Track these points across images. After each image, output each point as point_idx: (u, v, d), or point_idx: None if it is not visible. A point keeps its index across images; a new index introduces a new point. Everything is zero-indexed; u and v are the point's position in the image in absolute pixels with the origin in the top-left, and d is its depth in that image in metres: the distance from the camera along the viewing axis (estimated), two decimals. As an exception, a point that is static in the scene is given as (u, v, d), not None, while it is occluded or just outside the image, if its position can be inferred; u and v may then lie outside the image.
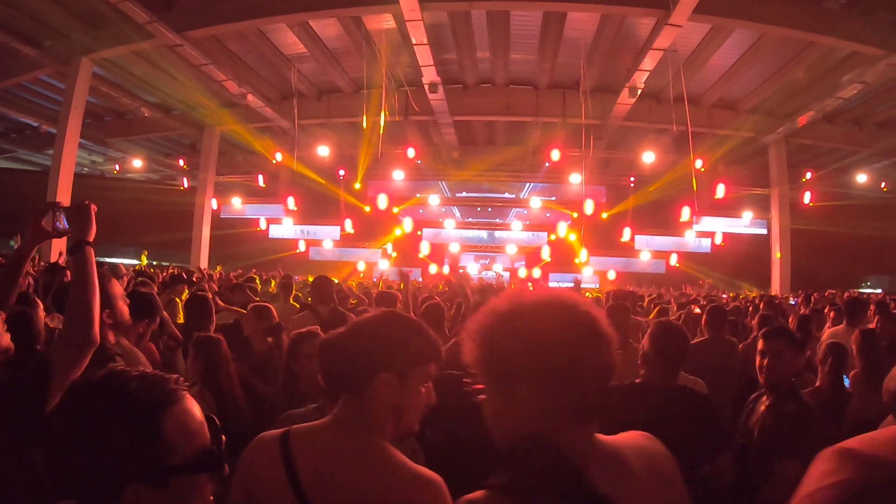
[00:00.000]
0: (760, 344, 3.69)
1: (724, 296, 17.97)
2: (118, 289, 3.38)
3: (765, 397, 3.64)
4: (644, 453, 1.51)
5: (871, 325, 6.66)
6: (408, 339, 1.95)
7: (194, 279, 10.76)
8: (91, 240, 2.56)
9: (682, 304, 10.93)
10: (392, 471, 1.85)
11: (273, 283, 12.97)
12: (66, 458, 1.19)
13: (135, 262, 22.50)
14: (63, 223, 2.66)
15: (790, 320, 8.26)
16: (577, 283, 11.02)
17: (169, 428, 1.21)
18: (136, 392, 1.23)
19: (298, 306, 8.10)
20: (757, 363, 3.67)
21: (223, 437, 1.32)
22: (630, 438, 1.55)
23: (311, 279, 8.10)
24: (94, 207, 2.63)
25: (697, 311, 7.96)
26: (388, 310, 2.18)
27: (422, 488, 1.84)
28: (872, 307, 7.83)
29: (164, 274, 10.96)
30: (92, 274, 2.48)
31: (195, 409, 1.30)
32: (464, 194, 31.69)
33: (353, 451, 1.85)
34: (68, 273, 8.63)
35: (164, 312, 5.45)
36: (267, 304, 5.71)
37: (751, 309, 10.29)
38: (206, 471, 1.26)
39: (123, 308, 3.36)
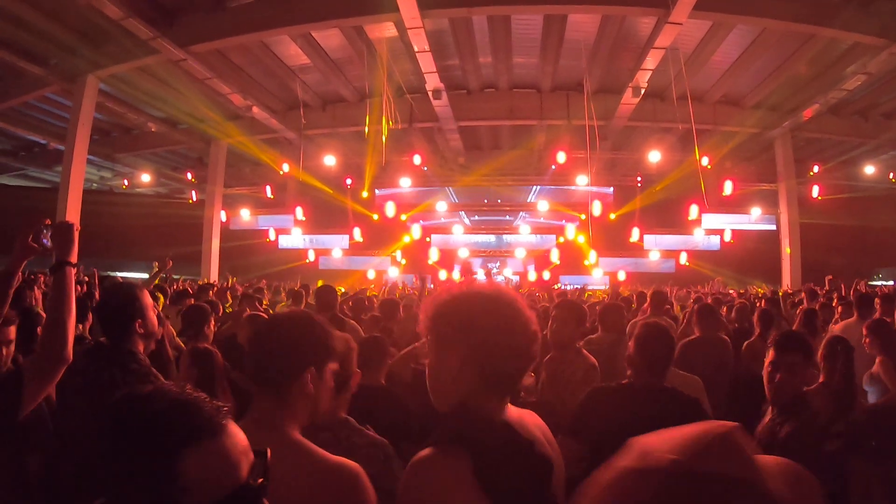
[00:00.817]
0: (772, 354, 3.35)
1: (732, 292, 17.90)
2: (149, 299, 3.36)
3: (769, 408, 3.39)
4: (536, 422, 1.89)
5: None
6: (323, 335, 2.08)
7: (211, 294, 10.82)
8: (72, 260, 2.58)
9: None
10: (310, 462, 1.92)
11: (282, 293, 13.08)
12: (84, 477, 1.12)
13: (145, 275, 22.63)
14: (49, 240, 2.65)
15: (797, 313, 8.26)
16: (584, 288, 11.20)
17: (191, 466, 1.07)
18: (162, 419, 1.09)
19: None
20: (765, 373, 3.37)
21: (262, 479, 1.19)
22: (524, 411, 1.89)
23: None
24: (76, 227, 2.66)
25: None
26: (299, 309, 2.32)
27: (340, 478, 1.94)
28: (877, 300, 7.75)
29: (173, 289, 11.01)
30: (69, 294, 2.51)
31: (233, 442, 1.16)
32: (471, 200, 31.72)
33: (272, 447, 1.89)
34: (77, 287, 8.72)
35: (170, 327, 5.49)
36: (262, 314, 5.73)
37: (759, 305, 10.26)
38: None
39: (153, 319, 3.34)
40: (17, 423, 2.30)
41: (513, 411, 1.83)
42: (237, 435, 1.17)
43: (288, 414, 1.97)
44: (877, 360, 5.14)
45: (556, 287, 21.28)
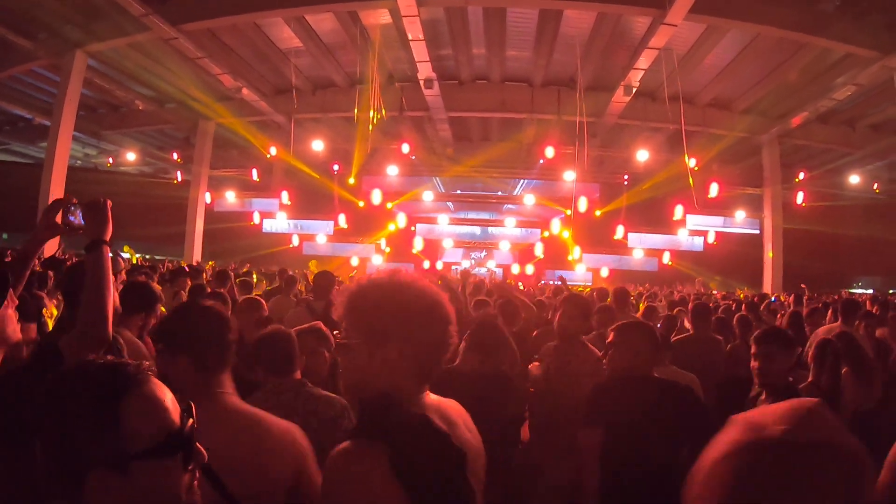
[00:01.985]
0: (752, 347, 3.78)
1: (716, 293, 18.05)
2: None
3: (763, 395, 3.71)
4: (457, 410, 1.97)
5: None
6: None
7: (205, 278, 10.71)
8: (107, 238, 2.54)
9: (673, 302, 11.01)
10: (249, 423, 2.26)
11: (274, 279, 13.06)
12: (41, 445, 1.24)
13: (125, 255, 22.46)
14: (78, 219, 2.60)
15: (778, 318, 8.34)
16: (563, 281, 11.29)
17: (128, 414, 1.23)
18: (97, 379, 1.26)
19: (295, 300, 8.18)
20: (752, 366, 3.76)
21: (192, 420, 1.32)
22: (445, 399, 1.96)
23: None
24: (109, 203, 2.61)
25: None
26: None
27: (279, 436, 2.26)
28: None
29: (163, 268, 10.94)
30: (108, 273, 2.48)
31: (161, 393, 1.31)
32: (458, 191, 31.70)
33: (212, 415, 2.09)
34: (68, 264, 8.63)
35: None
36: (258, 297, 5.72)
37: (734, 307, 10.39)
38: (169, 454, 1.26)
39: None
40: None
41: (433, 399, 1.87)
42: (162, 387, 1.33)
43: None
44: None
45: (541, 283, 21.35)
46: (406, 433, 1.63)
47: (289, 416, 2.53)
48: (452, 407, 1.96)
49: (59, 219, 2.60)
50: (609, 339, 3.78)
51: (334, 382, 3.55)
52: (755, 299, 12.59)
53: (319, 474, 2.11)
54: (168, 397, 1.32)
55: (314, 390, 3.23)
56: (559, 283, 12.16)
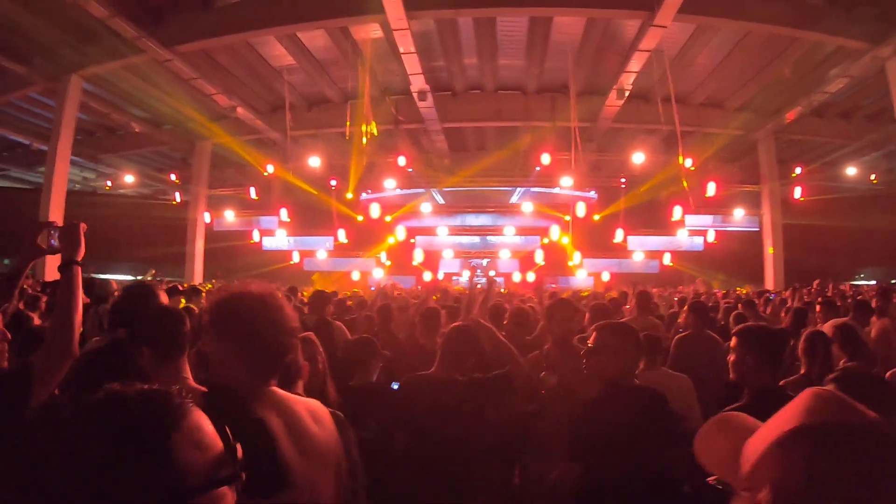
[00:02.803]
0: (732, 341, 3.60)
1: (717, 292, 18.03)
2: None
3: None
4: (308, 405, 2.24)
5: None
6: None
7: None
8: (79, 259, 2.67)
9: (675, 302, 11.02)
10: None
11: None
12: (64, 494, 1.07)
13: (128, 277, 22.45)
14: (56, 241, 2.74)
15: (782, 315, 8.34)
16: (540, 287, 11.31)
17: (181, 448, 1.12)
18: (140, 413, 1.13)
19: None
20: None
21: (237, 445, 1.25)
22: (302, 398, 2.31)
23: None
24: (83, 227, 2.73)
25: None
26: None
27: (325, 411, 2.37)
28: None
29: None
30: (77, 292, 2.61)
31: (204, 420, 1.22)
32: (456, 201, 31.72)
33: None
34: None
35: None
36: None
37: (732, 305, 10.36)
38: (224, 484, 1.19)
39: None
40: (22, 422, 2.34)
41: (280, 393, 2.19)
42: (203, 414, 1.23)
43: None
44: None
45: (549, 287, 21.29)
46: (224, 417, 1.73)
47: None
48: (301, 402, 2.25)
49: (41, 241, 2.74)
50: (590, 342, 3.66)
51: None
52: (754, 296, 12.60)
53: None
54: (210, 426, 1.23)
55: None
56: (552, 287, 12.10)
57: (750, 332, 3.54)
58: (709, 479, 1.25)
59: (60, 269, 2.64)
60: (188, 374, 2.71)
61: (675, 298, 12.49)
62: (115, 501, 1.07)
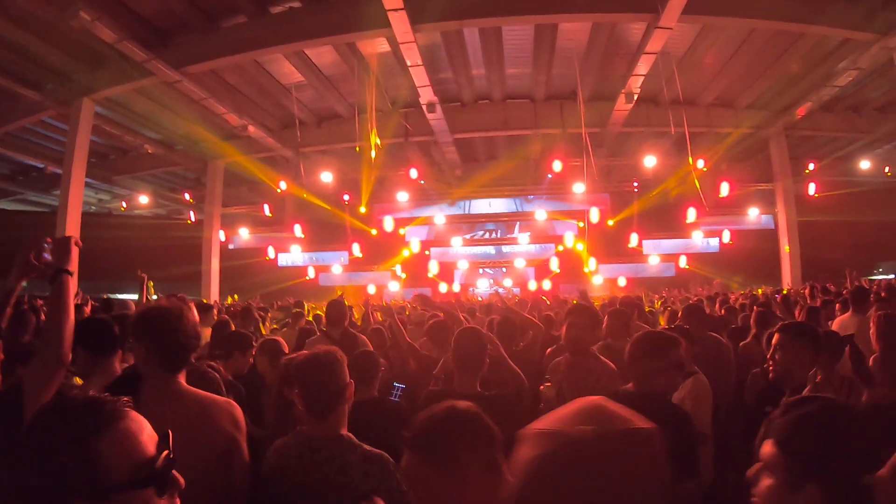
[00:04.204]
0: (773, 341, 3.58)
1: (731, 295, 17.92)
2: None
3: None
4: (203, 400, 2.79)
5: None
6: None
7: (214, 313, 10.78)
8: (70, 269, 2.69)
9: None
10: (195, 396, 2.81)
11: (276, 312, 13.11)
12: (20, 479, 1.29)
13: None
14: (49, 255, 2.75)
15: (797, 313, 8.28)
16: (583, 293, 11.12)
17: (105, 448, 1.30)
18: (76, 414, 1.33)
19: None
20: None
21: (167, 452, 1.40)
22: (204, 394, 2.84)
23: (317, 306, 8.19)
24: (74, 239, 2.77)
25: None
26: None
27: (220, 408, 2.81)
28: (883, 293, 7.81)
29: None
30: (67, 301, 2.61)
31: (137, 427, 1.38)
32: (469, 212, 31.72)
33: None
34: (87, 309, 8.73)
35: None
36: (277, 339, 5.64)
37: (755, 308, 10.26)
38: (144, 486, 1.34)
39: None
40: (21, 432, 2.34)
41: (183, 387, 2.79)
42: (140, 421, 1.40)
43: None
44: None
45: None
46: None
47: (314, 483, 2.73)
48: (196, 396, 2.80)
49: (34, 258, 2.73)
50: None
51: None
52: (775, 295, 12.48)
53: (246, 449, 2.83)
54: (145, 431, 1.39)
55: (350, 453, 2.79)
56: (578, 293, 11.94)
57: (791, 328, 3.52)
58: None
59: (50, 278, 2.64)
60: (182, 378, 2.87)
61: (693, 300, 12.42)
62: (47, 486, 1.27)
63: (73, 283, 2.68)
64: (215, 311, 10.23)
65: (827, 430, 1.65)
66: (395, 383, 4.67)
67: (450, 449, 1.92)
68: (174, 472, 1.41)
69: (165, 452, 1.40)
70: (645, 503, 1.11)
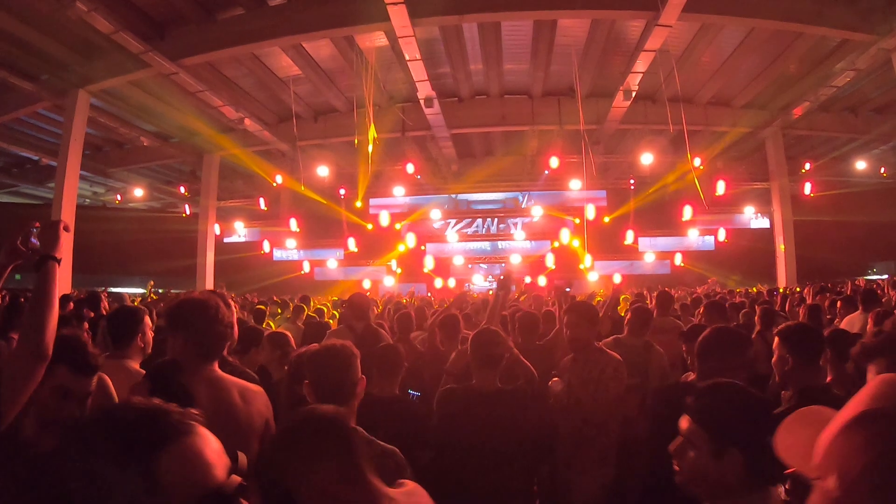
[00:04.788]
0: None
1: (723, 291, 17.96)
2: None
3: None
4: (239, 385, 2.87)
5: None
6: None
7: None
8: (56, 255, 2.55)
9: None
10: (234, 383, 2.89)
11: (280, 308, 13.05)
12: (63, 495, 1.10)
13: (140, 290, 22.52)
14: (36, 240, 2.62)
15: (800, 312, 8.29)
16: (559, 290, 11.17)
17: (167, 467, 1.11)
18: (132, 428, 1.13)
19: (303, 327, 8.18)
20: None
21: (237, 478, 1.22)
22: (238, 380, 2.93)
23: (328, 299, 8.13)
24: (63, 224, 2.64)
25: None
26: None
27: (256, 393, 2.91)
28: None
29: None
30: (52, 289, 2.46)
31: (203, 444, 1.19)
32: (465, 207, 31.69)
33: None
34: (71, 304, 8.66)
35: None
36: (284, 332, 5.60)
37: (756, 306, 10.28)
38: None
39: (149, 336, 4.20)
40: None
41: (218, 373, 2.86)
42: (208, 437, 1.21)
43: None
44: None
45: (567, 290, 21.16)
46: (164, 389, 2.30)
47: None
48: (235, 382, 2.87)
49: (21, 244, 2.59)
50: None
51: None
52: (766, 294, 12.54)
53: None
54: (212, 449, 1.21)
55: (368, 450, 2.51)
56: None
57: (791, 331, 3.48)
58: (786, 471, 1.26)
59: (36, 264, 2.50)
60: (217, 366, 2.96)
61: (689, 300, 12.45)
62: None
63: (58, 271, 2.54)
64: (235, 307, 10.19)
65: (739, 403, 2.03)
66: (409, 391, 4.60)
67: (295, 456, 1.89)
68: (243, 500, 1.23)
69: (237, 479, 1.22)
70: None
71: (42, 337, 2.35)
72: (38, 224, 2.67)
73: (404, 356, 4.45)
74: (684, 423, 2.05)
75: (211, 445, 1.21)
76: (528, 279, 25.84)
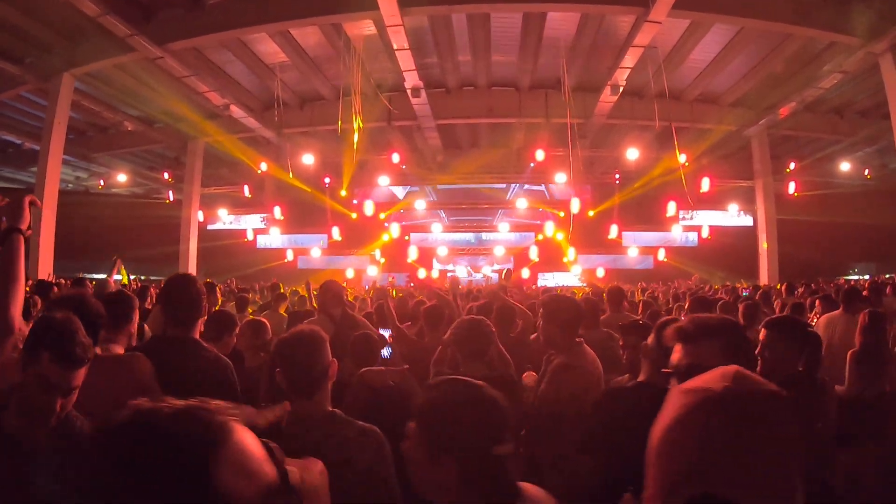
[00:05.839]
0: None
1: (708, 286, 18.07)
2: None
3: None
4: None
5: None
6: None
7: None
8: (22, 227, 2.52)
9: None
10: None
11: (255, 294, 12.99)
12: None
13: (118, 276, 22.33)
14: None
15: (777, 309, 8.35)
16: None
17: (223, 474, 0.96)
18: (177, 434, 0.97)
19: (286, 315, 8.14)
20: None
21: (287, 470, 1.08)
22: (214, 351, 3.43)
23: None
24: (30, 198, 2.62)
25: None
26: None
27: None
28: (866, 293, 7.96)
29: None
30: (17, 262, 2.44)
31: (250, 441, 1.05)
32: (450, 199, 31.68)
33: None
34: (55, 289, 8.57)
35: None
36: (263, 320, 5.61)
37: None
38: None
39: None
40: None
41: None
42: (249, 432, 1.06)
43: None
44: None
45: (534, 286, 21.26)
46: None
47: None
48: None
49: None
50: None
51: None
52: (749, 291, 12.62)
53: None
54: (258, 444, 1.07)
55: (346, 428, 2.74)
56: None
57: (781, 322, 3.58)
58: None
59: (1, 237, 2.48)
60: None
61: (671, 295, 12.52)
62: None
63: (21, 242, 2.53)
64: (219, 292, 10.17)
65: (457, 407, 1.87)
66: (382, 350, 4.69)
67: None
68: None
69: (293, 472, 1.09)
70: (785, 461, 1.13)
71: (7, 310, 2.33)
72: (5, 200, 2.65)
73: (377, 345, 4.53)
74: (412, 423, 1.94)
75: (255, 442, 1.06)
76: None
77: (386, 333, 6.22)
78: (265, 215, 24.96)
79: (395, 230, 25.16)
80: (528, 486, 1.95)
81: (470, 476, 1.80)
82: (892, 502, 3.89)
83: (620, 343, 4.05)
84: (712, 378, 1.19)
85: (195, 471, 0.94)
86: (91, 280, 10.16)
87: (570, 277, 26.43)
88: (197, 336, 3.49)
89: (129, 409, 0.99)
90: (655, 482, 1.16)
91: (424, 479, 1.89)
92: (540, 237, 27.24)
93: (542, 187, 28.67)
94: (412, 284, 20.19)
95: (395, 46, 15.18)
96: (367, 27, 15.55)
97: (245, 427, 1.05)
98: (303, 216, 27.17)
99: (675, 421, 1.16)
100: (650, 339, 3.44)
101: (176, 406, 1.00)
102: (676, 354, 2.29)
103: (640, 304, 9.10)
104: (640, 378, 3.49)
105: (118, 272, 9.51)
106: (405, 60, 16.01)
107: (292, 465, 1.11)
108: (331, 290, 6.52)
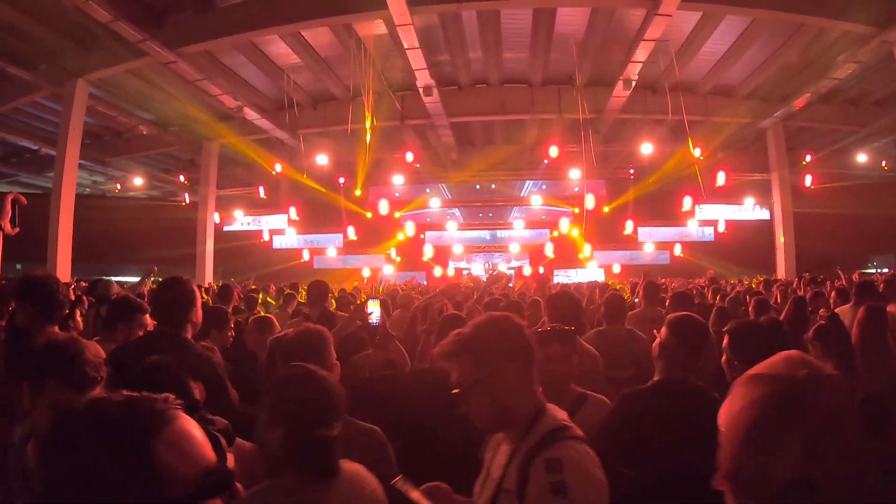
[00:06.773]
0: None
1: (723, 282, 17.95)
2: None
3: None
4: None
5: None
6: None
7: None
8: (3, 224, 2.60)
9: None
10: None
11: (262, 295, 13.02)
12: (59, 497, 1.06)
13: (138, 279, 22.49)
14: None
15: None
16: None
17: (163, 455, 1.08)
18: (121, 419, 1.09)
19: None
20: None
21: (228, 454, 1.19)
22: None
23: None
24: (13, 196, 2.70)
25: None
26: None
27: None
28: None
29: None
30: None
31: (193, 428, 1.17)
32: (465, 196, 31.66)
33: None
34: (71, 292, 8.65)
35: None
36: (269, 316, 5.66)
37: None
38: (213, 496, 1.14)
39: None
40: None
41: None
42: (192, 421, 1.20)
43: None
44: None
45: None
46: None
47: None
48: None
49: None
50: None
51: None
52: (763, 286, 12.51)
53: None
54: (200, 431, 1.19)
55: (347, 428, 2.51)
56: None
57: (738, 332, 3.40)
58: None
59: None
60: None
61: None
62: None
63: (1, 237, 2.63)
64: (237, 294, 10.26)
65: (292, 389, 2.20)
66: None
67: None
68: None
69: (230, 456, 1.21)
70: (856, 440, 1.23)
71: None
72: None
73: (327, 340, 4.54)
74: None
75: (198, 428, 1.19)
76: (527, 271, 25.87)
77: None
78: (287, 216, 25.01)
79: (409, 229, 25.18)
80: (352, 466, 2.24)
81: (292, 446, 2.08)
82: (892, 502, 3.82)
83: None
84: (782, 364, 1.28)
85: (137, 451, 1.07)
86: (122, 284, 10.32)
87: (592, 273, 26.25)
88: (190, 334, 3.56)
89: (85, 400, 1.16)
90: (740, 470, 1.23)
91: (264, 436, 2.18)
92: (555, 234, 27.15)
93: (559, 183, 28.56)
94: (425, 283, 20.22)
95: (405, 45, 15.18)
96: (377, 27, 15.58)
97: (188, 416, 1.19)
98: (318, 216, 27.24)
99: (761, 407, 1.23)
100: (665, 336, 3.29)
101: (124, 396, 1.14)
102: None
103: (669, 298, 9.08)
104: (656, 378, 3.31)
105: (152, 279, 9.67)
106: (416, 59, 16.01)
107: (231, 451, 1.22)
108: (312, 289, 6.87)
